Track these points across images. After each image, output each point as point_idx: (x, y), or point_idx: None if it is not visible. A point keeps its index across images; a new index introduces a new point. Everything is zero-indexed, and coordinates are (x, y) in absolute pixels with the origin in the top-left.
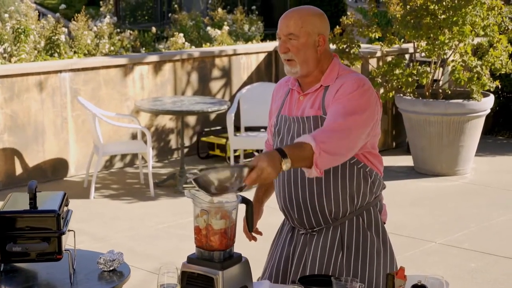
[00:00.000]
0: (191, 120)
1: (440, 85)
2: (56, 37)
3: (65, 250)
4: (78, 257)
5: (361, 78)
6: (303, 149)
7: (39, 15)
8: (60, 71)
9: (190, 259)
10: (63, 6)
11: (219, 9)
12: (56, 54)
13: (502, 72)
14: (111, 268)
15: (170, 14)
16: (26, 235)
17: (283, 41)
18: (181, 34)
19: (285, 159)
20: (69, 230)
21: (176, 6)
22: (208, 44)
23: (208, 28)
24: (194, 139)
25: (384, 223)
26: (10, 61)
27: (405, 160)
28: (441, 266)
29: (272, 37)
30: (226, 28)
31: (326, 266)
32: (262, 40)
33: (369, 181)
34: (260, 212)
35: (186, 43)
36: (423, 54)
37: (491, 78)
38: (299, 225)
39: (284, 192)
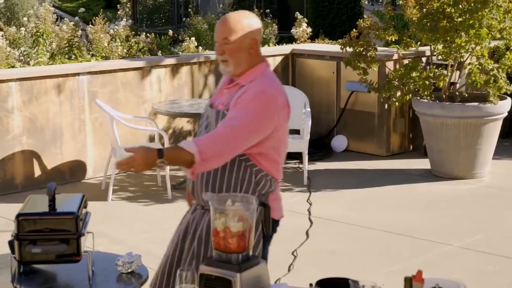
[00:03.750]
0: None
1: (457, 88)
2: (75, 40)
3: (83, 252)
4: (96, 259)
5: (264, 89)
6: (185, 155)
7: (56, 18)
8: (78, 74)
9: (208, 261)
10: (82, 9)
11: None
12: (74, 57)
13: None
14: (129, 270)
15: (184, 19)
16: (45, 237)
17: (219, 44)
18: (193, 38)
19: (161, 159)
20: (87, 232)
21: (191, 9)
22: None
23: None
24: None
25: (278, 220)
26: (28, 64)
27: (422, 163)
28: (458, 269)
29: (289, 40)
30: None
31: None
32: (277, 43)
33: (253, 180)
34: None
35: (200, 47)
36: (439, 57)
37: (508, 81)
38: (198, 203)
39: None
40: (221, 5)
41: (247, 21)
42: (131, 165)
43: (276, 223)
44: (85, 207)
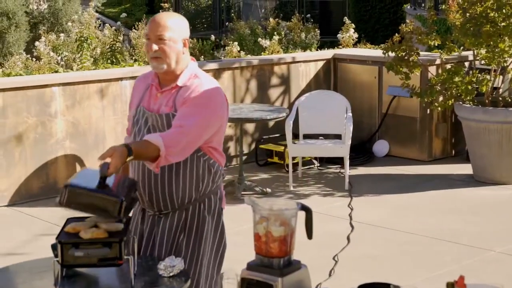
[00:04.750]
0: (250, 127)
1: (500, 93)
2: (118, 45)
3: (126, 256)
4: (138, 263)
5: (209, 85)
6: (150, 149)
7: (99, 24)
8: (121, 79)
9: (250, 266)
10: (124, 15)
11: (271, 19)
12: (116, 62)
13: None
14: (171, 274)
15: (227, 23)
16: (88, 241)
17: (154, 41)
18: (236, 43)
19: (130, 156)
20: (130, 236)
21: (233, 14)
22: (266, 52)
23: (259, 39)
24: (253, 146)
25: (223, 208)
26: (71, 69)
27: (464, 168)
28: (501, 275)
29: (330, 45)
30: (276, 38)
31: (171, 245)
32: (319, 48)
33: (212, 172)
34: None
35: (242, 52)
36: (482, 61)
37: None
38: (149, 208)
39: (139, 176)
40: (263, 10)
41: (179, 21)
42: (118, 171)
43: (222, 211)
44: (128, 210)
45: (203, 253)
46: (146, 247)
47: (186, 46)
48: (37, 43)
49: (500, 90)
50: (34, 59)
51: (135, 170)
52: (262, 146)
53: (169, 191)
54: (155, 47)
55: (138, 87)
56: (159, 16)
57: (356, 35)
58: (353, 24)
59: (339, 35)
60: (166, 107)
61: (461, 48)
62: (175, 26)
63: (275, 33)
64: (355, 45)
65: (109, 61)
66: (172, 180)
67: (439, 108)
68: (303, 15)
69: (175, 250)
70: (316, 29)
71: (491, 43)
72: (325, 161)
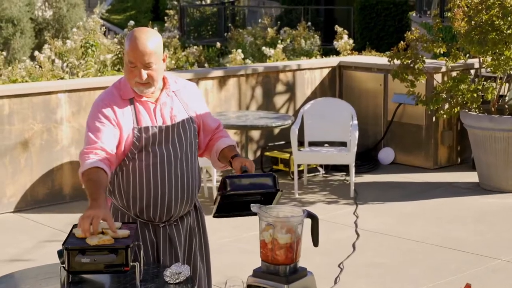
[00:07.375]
0: (255, 134)
1: (506, 100)
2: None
3: (132, 263)
4: (144, 270)
5: (188, 81)
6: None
7: (104, 31)
8: None
9: (256, 273)
10: (131, 22)
11: (269, 29)
12: (122, 69)
13: None
14: (177, 281)
15: (225, 34)
16: (94, 247)
17: (142, 69)
18: (239, 50)
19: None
20: (136, 243)
21: (238, 21)
22: (271, 59)
23: (263, 48)
24: (258, 153)
25: None
26: (77, 76)
27: (470, 176)
28: (507, 283)
29: (335, 52)
30: (280, 46)
31: (188, 249)
32: (323, 55)
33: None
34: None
35: (247, 60)
36: (488, 69)
37: None
38: (160, 219)
39: (164, 188)
40: (260, 20)
41: (157, 39)
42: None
43: None
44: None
45: (207, 250)
46: (164, 255)
47: (165, 61)
48: (36, 52)
49: (506, 98)
50: (39, 66)
51: (155, 183)
52: (267, 153)
53: (187, 194)
54: (144, 75)
55: (121, 108)
56: (140, 42)
57: (351, 41)
58: (346, 31)
59: (335, 43)
60: (179, 114)
61: (467, 55)
62: (157, 48)
63: (279, 41)
64: (360, 52)
65: (115, 68)
66: (184, 185)
67: (445, 116)
68: (308, 23)
69: (190, 253)
70: (316, 36)
71: (497, 50)
72: (331, 168)
